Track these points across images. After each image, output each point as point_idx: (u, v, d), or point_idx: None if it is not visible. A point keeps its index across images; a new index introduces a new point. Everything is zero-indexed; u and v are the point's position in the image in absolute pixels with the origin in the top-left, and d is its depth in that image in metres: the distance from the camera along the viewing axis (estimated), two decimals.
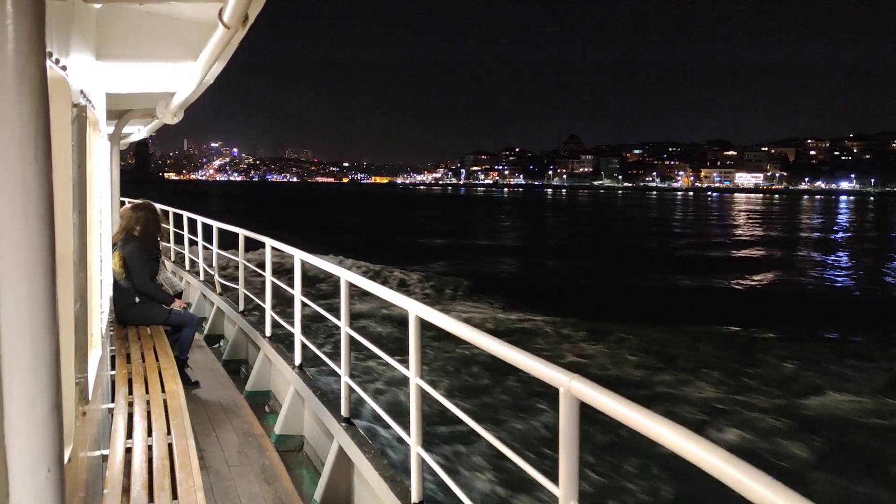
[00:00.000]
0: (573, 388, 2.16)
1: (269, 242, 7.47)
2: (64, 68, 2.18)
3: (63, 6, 2.27)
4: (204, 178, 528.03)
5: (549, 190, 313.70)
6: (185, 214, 12.45)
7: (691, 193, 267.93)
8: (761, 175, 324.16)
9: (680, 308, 21.50)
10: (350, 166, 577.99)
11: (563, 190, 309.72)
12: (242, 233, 8.81)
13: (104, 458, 3.96)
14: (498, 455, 2.90)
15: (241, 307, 8.60)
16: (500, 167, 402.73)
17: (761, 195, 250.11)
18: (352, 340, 4.97)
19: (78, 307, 2.58)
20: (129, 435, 4.34)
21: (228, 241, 9.79)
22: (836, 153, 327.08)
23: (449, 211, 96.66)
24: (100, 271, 4.14)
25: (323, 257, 7.01)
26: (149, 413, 4.76)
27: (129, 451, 4.11)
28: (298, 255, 6.25)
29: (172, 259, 13.66)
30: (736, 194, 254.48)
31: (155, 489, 3.60)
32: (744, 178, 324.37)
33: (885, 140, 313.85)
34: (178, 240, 13.56)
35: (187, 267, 12.44)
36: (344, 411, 5.04)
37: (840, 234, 61.31)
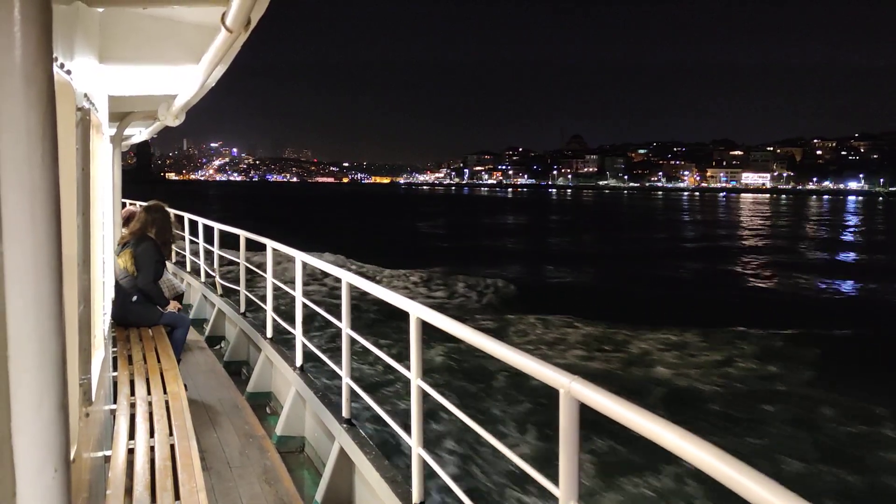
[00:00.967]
0: (573, 389, 2.18)
1: (271, 244, 7.48)
2: (69, 72, 2.20)
3: (68, 11, 2.29)
4: (203, 178, 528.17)
5: (554, 190, 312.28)
6: (186, 216, 12.47)
7: (697, 193, 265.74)
8: (768, 175, 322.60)
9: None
10: (350, 166, 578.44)
11: (569, 190, 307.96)
12: (244, 234, 8.81)
13: (107, 458, 3.97)
14: (499, 456, 2.91)
15: (243, 308, 8.61)
16: (504, 167, 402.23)
17: (768, 195, 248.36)
18: (353, 342, 4.99)
19: (82, 309, 2.60)
20: (132, 436, 4.36)
21: (230, 242, 9.81)
22: (843, 153, 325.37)
23: (468, 213, 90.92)
24: (102, 273, 4.16)
25: (321, 256, 7.03)
26: (151, 414, 4.77)
27: (131, 451, 4.12)
28: (300, 257, 6.26)
29: (174, 261, 13.68)
30: (744, 194, 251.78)
31: (157, 490, 3.61)
32: (750, 178, 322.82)
33: (892, 140, 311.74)
34: (179, 241, 13.58)
35: (188, 268, 12.46)
36: (345, 412, 5.06)
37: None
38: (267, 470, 5.15)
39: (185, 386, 6.92)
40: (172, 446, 4.18)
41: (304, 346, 6.26)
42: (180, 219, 13.04)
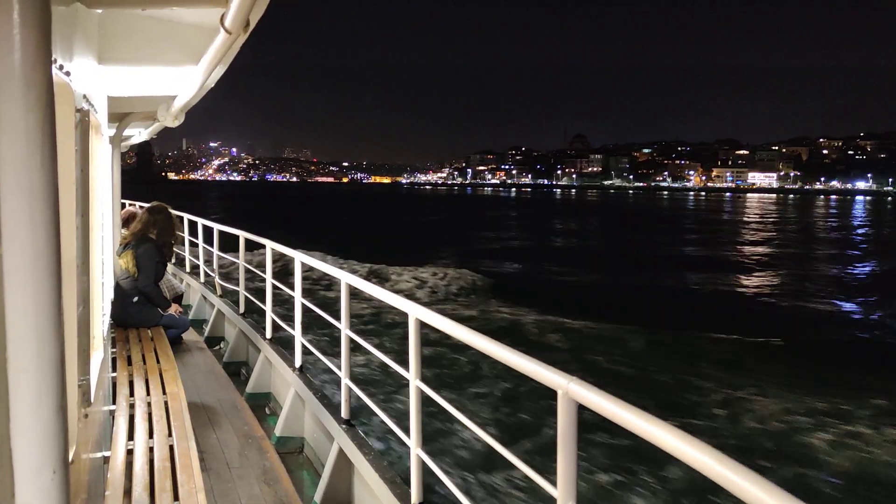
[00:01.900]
0: (571, 390, 2.18)
1: (270, 245, 7.48)
2: (67, 74, 2.20)
3: (67, 12, 2.29)
4: (203, 177, 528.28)
5: (558, 190, 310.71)
6: (186, 216, 12.47)
7: (703, 193, 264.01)
8: (774, 174, 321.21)
9: None
10: (350, 166, 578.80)
11: (573, 190, 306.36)
12: (243, 235, 8.81)
13: (105, 459, 3.97)
14: (497, 457, 2.90)
15: (242, 309, 8.61)
16: (507, 167, 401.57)
17: (775, 195, 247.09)
18: (352, 342, 5.00)
19: (81, 310, 2.60)
20: (131, 437, 4.36)
21: (229, 242, 9.80)
22: (849, 152, 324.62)
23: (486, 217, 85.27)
24: (101, 274, 4.16)
25: (316, 255, 7.03)
26: (150, 415, 4.78)
27: (130, 452, 4.12)
28: (299, 258, 6.26)
29: (173, 261, 13.68)
30: (750, 194, 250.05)
31: (156, 491, 3.61)
32: (757, 178, 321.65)
33: None
34: (179, 241, 13.58)
35: (188, 269, 12.46)
36: (344, 413, 5.06)
37: None
38: (266, 471, 5.15)
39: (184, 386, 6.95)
40: (171, 447, 4.19)
41: (304, 346, 6.26)
42: (180, 219, 13.06)
